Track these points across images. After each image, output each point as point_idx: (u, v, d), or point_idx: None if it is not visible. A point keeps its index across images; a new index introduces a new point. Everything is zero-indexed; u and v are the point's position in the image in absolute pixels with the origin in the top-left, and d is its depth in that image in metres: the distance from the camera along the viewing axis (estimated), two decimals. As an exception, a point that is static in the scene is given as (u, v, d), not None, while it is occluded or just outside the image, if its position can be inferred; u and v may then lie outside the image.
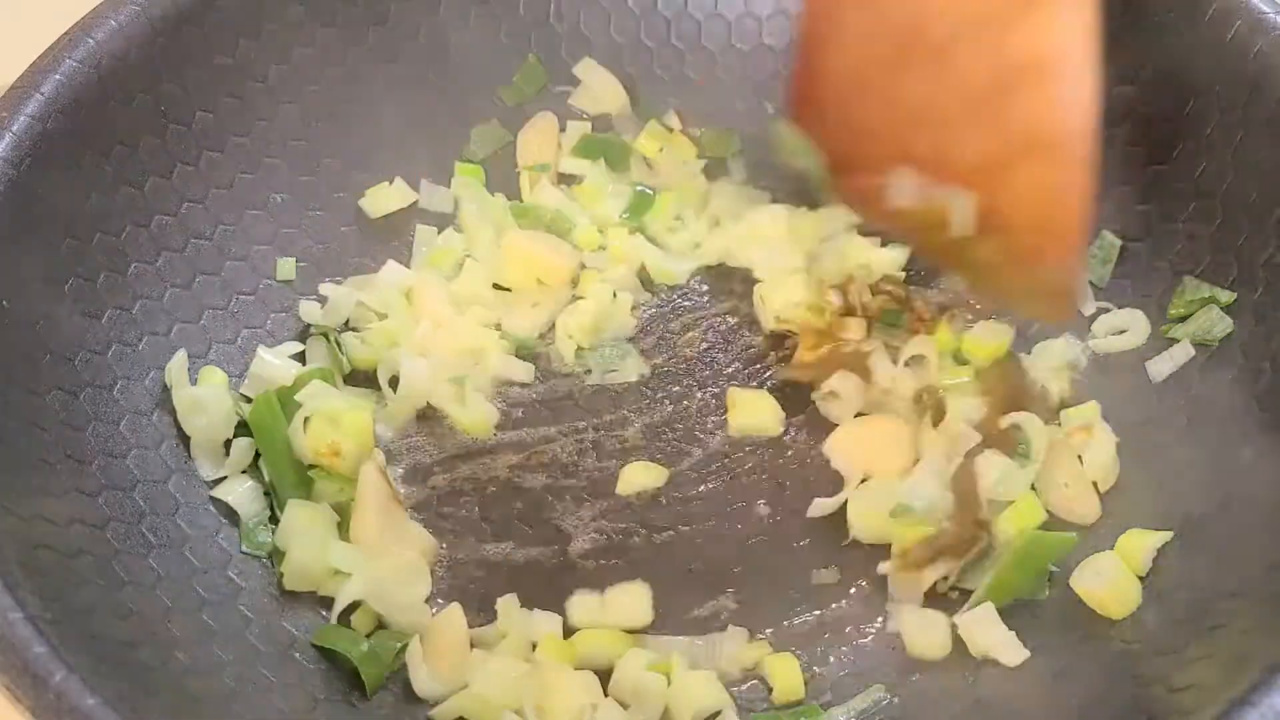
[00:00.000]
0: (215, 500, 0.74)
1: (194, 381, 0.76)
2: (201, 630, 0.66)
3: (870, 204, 0.74)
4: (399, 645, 0.71)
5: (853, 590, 0.74)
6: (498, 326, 0.86)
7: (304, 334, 0.83)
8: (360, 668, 0.69)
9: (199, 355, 0.77)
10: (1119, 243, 0.80)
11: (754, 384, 0.83)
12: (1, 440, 0.64)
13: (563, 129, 0.93)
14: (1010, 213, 0.68)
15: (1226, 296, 0.74)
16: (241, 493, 0.75)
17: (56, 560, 0.62)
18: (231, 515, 0.74)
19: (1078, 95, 0.64)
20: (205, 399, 0.75)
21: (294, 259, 0.84)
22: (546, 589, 0.75)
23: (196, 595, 0.68)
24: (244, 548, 0.73)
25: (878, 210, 0.74)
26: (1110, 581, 0.69)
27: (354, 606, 0.72)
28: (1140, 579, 0.69)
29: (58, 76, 0.72)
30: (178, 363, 0.76)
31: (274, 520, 0.75)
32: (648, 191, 0.91)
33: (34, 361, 0.68)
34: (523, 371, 0.84)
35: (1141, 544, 0.69)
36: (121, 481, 0.70)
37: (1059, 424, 0.78)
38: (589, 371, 0.84)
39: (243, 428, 0.77)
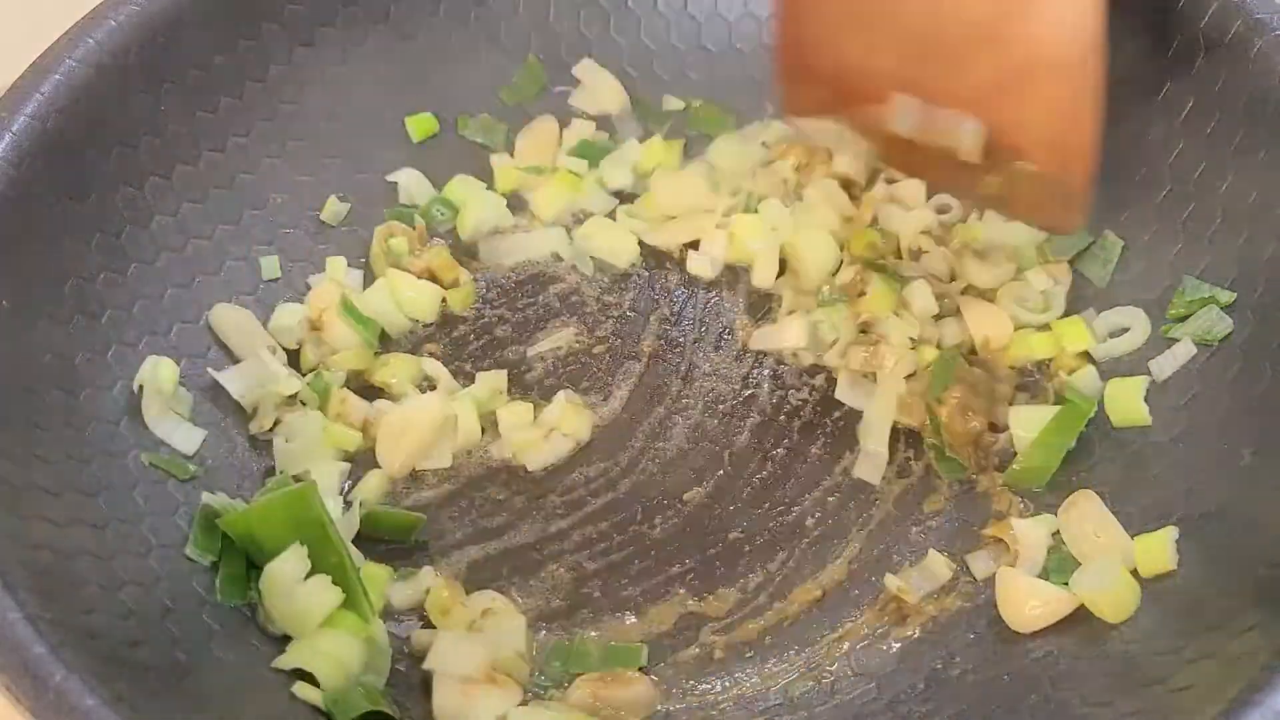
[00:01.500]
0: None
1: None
2: (201, 630, 0.66)
3: (875, 134, 0.75)
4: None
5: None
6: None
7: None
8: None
9: (199, 355, 0.78)
10: (1120, 243, 0.80)
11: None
12: (1, 440, 0.64)
13: (567, 125, 0.92)
14: (1018, 133, 0.68)
15: (1226, 296, 0.74)
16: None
17: (56, 560, 0.62)
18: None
19: (1079, 14, 0.64)
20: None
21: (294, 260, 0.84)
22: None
23: (196, 595, 0.68)
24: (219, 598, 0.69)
25: (884, 139, 0.74)
26: (1110, 585, 0.68)
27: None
28: (1140, 582, 0.69)
29: (58, 76, 0.72)
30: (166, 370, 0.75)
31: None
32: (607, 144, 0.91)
33: (34, 361, 0.68)
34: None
35: (1159, 542, 0.69)
36: (121, 481, 0.70)
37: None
38: None
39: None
